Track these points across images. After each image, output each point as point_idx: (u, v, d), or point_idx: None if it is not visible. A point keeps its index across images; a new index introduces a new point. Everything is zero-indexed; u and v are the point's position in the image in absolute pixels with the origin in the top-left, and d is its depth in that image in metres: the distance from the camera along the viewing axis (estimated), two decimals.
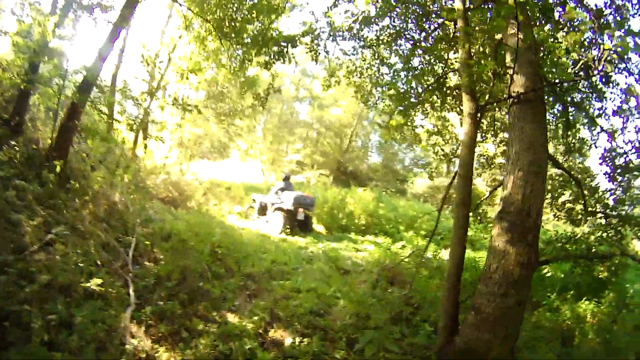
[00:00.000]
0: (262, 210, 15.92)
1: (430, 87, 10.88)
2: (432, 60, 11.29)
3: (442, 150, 12.04)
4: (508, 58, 6.74)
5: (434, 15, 10.50)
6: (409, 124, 11.81)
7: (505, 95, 6.68)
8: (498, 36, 7.73)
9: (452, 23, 9.48)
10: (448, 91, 10.96)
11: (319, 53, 11.02)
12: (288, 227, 14.29)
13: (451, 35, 10.06)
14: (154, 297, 6.27)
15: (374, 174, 38.71)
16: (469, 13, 7.22)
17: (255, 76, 12.73)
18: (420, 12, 10.42)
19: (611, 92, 8.55)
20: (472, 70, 6.46)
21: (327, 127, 37.14)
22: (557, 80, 7.79)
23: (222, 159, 32.93)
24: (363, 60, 11.77)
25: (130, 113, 12.24)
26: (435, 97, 11.16)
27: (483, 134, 11.59)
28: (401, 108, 10.91)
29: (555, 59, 7.84)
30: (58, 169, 7.32)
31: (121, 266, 6.85)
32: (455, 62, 11.00)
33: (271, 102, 36.30)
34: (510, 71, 6.25)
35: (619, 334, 7.03)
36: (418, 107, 11.32)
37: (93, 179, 8.75)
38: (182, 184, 15.83)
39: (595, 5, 7.93)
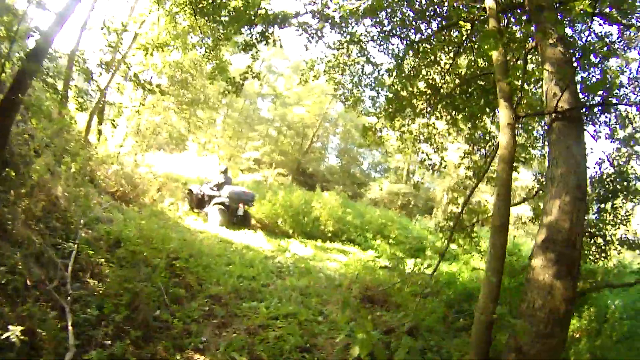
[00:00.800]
0: (199, 203, 15.08)
1: (421, 92, 10.13)
2: (425, 64, 10.42)
3: (429, 158, 10.86)
4: (548, 69, 5.82)
5: (434, 15, 9.60)
6: (393, 128, 11.01)
7: (545, 109, 5.85)
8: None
9: (469, 24, 8.70)
10: (438, 98, 9.99)
11: (312, 37, 9.94)
12: (227, 222, 13.87)
13: (463, 38, 9.37)
14: (99, 335, 4.82)
15: (332, 177, 37.61)
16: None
17: (228, 61, 11.11)
18: (420, 11, 9.53)
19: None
20: (509, 77, 5.80)
21: (289, 126, 35.79)
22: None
23: (179, 151, 31.09)
24: (347, 56, 10.78)
25: (85, 91, 10.65)
26: (425, 103, 10.21)
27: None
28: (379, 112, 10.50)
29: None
30: None
31: (57, 286, 5.39)
32: (458, 68, 10.39)
33: (233, 96, 34.84)
34: (549, 84, 5.70)
35: (604, 347, 7.05)
36: (405, 111, 10.38)
37: (35, 167, 7.21)
38: (135, 177, 14.14)
39: None
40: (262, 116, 38.34)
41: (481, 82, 9.55)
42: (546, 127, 5.79)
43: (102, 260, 6.54)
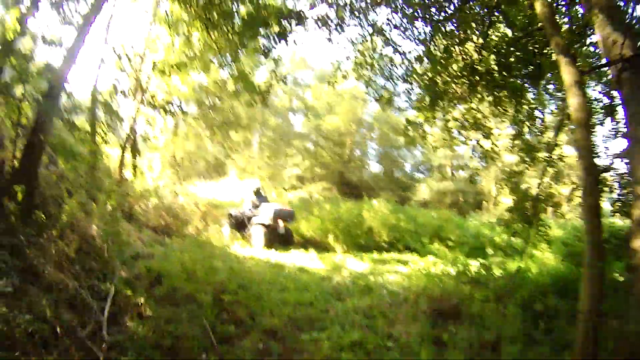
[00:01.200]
0: (240, 225, 14.49)
1: (457, 75, 9.24)
2: (455, 43, 9.40)
3: (480, 146, 10.09)
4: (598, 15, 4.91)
5: None
6: (433, 119, 10.24)
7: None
8: None
9: None
10: (477, 78, 9.11)
11: (332, 28, 9.03)
12: (269, 241, 13.35)
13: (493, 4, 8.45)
14: None
15: (376, 184, 36.47)
16: None
17: (250, 71, 10.42)
18: None
19: None
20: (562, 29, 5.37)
21: (325, 137, 34.88)
22: None
23: (218, 178, 30.72)
24: (373, 50, 9.91)
25: (110, 125, 10.32)
26: (464, 86, 9.35)
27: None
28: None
29: None
30: (19, 196, 5.65)
31: (90, 332, 4.75)
32: (491, 42, 9.17)
33: (265, 114, 34.39)
34: (604, 31, 4.79)
35: None
36: (445, 98, 9.54)
37: (66, 207, 6.76)
38: (176, 208, 13.64)
39: None
40: (296, 131, 37.59)
41: (518, 53, 8.71)
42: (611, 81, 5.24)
43: (142, 299, 5.85)
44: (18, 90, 6.60)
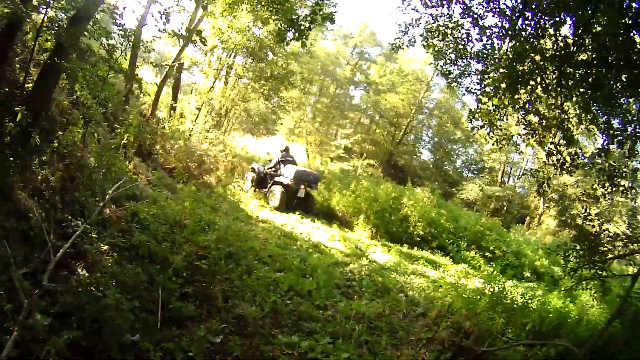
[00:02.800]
0: (260, 182, 13.63)
1: (547, 58, 7.41)
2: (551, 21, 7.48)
3: (558, 150, 8.23)
4: None
5: None
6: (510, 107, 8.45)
7: None
8: None
9: None
10: (570, 69, 7.37)
11: None
12: (285, 204, 12.39)
13: None
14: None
15: (424, 172, 34.78)
16: None
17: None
18: None
19: None
20: None
21: (381, 115, 33.07)
22: None
23: (266, 136, 29.61)
24: (449, 18, 8.29)
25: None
26: (552, 75, 7.63)
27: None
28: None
29: None
30: (19, 116, 5.01)
31: (29, 273, 3.84)
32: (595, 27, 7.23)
33: (324, 82, 32.91)
34: None
35: None
36: (526, 85, 7.84)
37: (68, 134, 6.16)
38: (201, 154, 12.37)
39: None
40: (354, 103, 36.10)
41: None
42: None
43: (106, 247, 4.77)
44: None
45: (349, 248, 10.00)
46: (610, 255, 6.64)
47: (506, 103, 8.20)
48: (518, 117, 8.78)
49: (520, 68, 7.45)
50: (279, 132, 31.91)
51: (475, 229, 14.37)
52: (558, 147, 8.24)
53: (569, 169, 8.17)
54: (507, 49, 8.02)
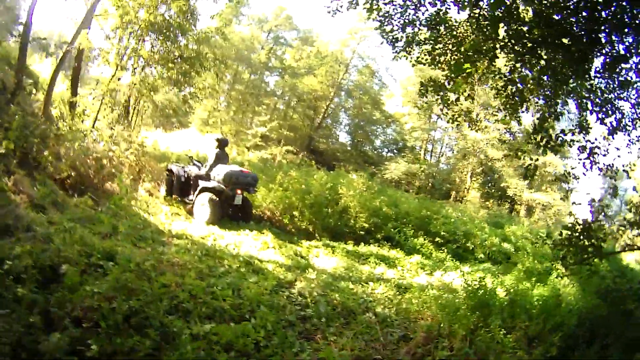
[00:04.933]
0: (182, 189, 10.53)
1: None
2: None
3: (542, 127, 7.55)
4: None
5: None
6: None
7: None
8: None
9: None
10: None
11: None
12: (218, 215, 9.65)
13: None
14: None
15: (343, 155, 33.33)
16: None
17: None
18: None
19: None
20: None
21: (299, 98, 31.15)
22: None
23: (179, 129, 26.79)
24: None
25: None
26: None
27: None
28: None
29: None
30: None
31: None
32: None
33: (238, 68, 30.45)
34: None
35: None
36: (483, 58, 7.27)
37: None
38: (101, 157, 9.69)
39: None
40: (269, 89, 34.01)
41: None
42: None
43: None
44: None
45: (288, 257, 8.07)
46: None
47: (479, 72, 7.61)
48: (494, 86, 8.10)
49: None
50: (192, 124, 29.39)
51: (421, 214, 12.76)
52: (543, 123, 7.50)
53: (553, 147, 7.63)
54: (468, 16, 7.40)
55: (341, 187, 11.96)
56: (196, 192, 10.01)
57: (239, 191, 9.95)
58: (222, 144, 10.83)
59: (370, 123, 35.86)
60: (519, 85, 7.45)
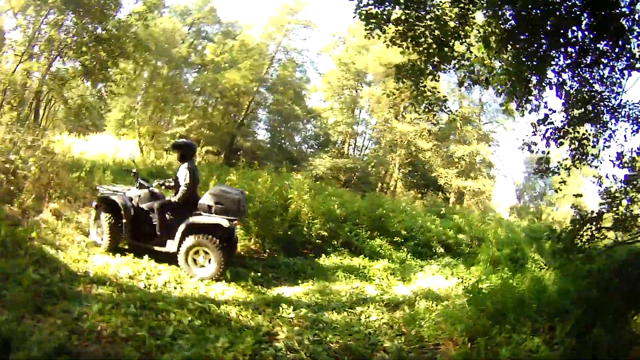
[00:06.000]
0: (137, 227, 6.98)
1: None
2: None
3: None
4: None
5: None
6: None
7: None
8: None
9: None
10: None
11: None
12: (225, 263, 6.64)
13: None
14: None
15: (262, 152, 31.86)
16: None
17: None
18: None
19: None
20: None
21: (222, 94, 28.59)
22: None
23: (96, 133, 23.57)
24: None
25: None
26: None
27: None
28: None
29: None
30: None
31: None
32: None
33: (157, 64, 27.26)
34: None
35: None
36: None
37: None
38: None
39: None
40: (187, 87, 30.67)
41: None
42: None
43: None
44: None
45: (246, 290, 6.20)
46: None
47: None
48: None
49: None
50: (107, 127, 26.58)
51: (376, 213, 11.28)
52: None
53: (558, 140, 7.20)
54: None
55: (290, 191, 10.03)
56: (181, 234, 6.70)
57: (235, 222, 7.00)
58: (190, 151, 7.40)
59: (291, 119, 34.05)
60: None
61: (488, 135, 31.56)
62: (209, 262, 6.51)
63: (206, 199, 6.81)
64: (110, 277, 5.29)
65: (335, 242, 9.73)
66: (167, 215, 6.94)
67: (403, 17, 6.90)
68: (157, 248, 6.79)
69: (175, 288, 5.58)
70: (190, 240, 6.57)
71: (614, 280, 5.63)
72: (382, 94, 28.38)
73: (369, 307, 5.97)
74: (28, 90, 12.50)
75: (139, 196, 7.13)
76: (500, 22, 6.75)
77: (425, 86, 7.55)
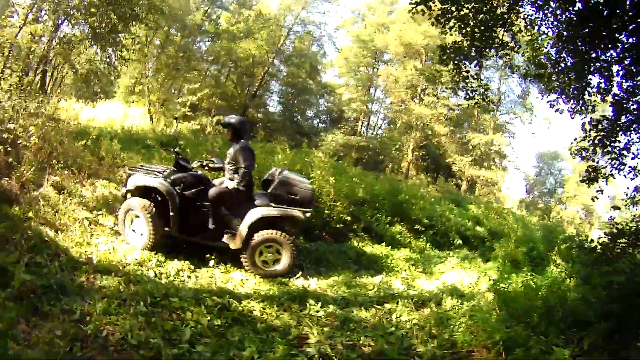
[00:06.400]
0: (186, 218, 5.97)
1: None
2: None
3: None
4: None
5: None
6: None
7: None
8: None
9: None
10: None
11: None
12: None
13: None
14: None
15: (274, 125, 31.41)
16: None
17: None
18: None
19: None
20: None
21: (236, 64, 27.74)
22: None
23: (105, 100, 22.83)
24: None
25: None
26: None
27: None
28: None
29: None
30: None
31: None
32: None
33: (170, 31, 26.19)
34: None
35: None
36: None
37: None
38: None
39: None
40: (200, 54, 29.24)
41: None
42: None
43: None
44: None
45: (267, 280, 5.62)
46: None
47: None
48: None
49: None
50: (117, 94, 25.99)
51: (398, 199, 10.63)
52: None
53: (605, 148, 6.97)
54: None
55: (312, 169, 9.32)
56: (248, 228, 5.85)
57: (309, 214, 6.42)
58: (244, 129, 6.22)
59: (305, 92, 33.22)
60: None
61: (504, 125, 30.98)
62: (279, 260, 5.91)
63: (277, 188, 6.03)
64: (117, 265, 4.69)
65: (356, 227, 9.11)
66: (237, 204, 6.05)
67: None
68: (211, 243, 5.97)
69: (189, 277, 5.03)
70: (260, 235, 5.84)
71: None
72: (401, 74, 27.64)
73: (397, 303, 5.40)
74: (33, 55, 11.77)
75: (183, 180, 5.97)
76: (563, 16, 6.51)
77: (468, 71, 7.15)
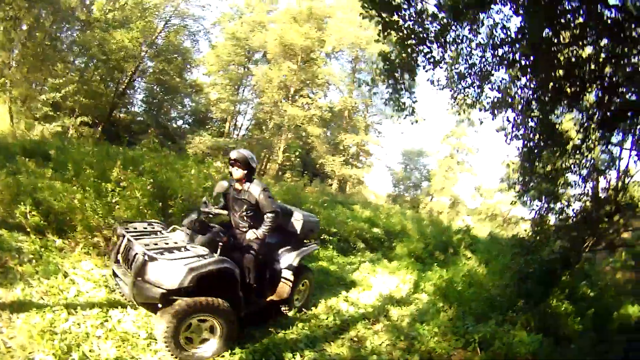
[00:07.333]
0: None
1: None
2: None
3: None
4: None
5: None
6: None
7: None
8: None
9: None
10: None
11: None
12: None
13: None
14: None
15: (137, 127, 29.40)
16: None
17: None
18: None
19: None
20: None
21: (107, 57, 24.68)
22: None
23: None
24: None
25: None
26: None
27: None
28: None
29: None
30: None
31: None
32: None
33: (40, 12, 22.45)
34: None
35: None
36: None
37: None
38: None
39: None
40: (69, 44, 25.55)
41: None
42: None
43: None
44: None
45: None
46: None
47: None
48: None
49: None
50: None
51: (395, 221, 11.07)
52: None
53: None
54: None
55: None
56: (293, 275, 5.57)
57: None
58: (255, 165, 5.32)
59: (173, 91, 31.22)
60: None
61: (371, 125, 32.94)
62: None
63: (303, 227, 5.77)
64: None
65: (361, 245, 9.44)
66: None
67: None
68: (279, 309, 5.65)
69: None
70: (300, 278, 5.75)
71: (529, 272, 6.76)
72: (275, 74, 27.63)
73: (356, 328, 5.50)
74: None
75: (219, 241, 4.63)
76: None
77: (403, 83, 7.29)
